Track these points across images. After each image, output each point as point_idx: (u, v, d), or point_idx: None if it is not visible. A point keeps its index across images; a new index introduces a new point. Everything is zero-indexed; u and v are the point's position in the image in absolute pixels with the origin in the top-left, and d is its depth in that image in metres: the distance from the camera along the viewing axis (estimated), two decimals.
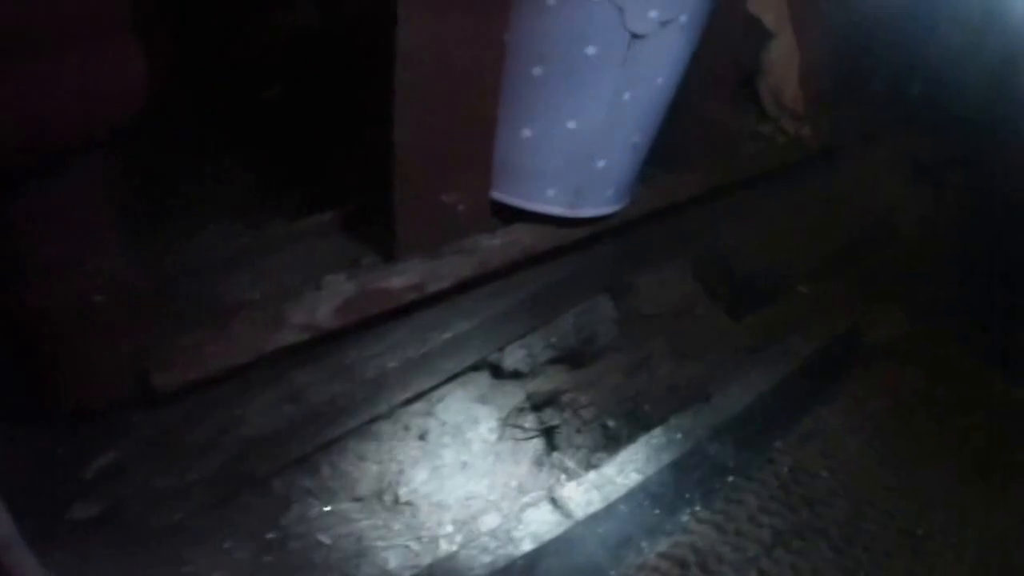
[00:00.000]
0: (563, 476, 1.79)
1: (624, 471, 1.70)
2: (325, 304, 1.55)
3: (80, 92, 1.09)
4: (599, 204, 1.85)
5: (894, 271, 2.53)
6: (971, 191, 2.70)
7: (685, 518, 1.68)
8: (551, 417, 1.88)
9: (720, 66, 1.93)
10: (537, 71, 1.64)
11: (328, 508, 1.63)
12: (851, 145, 2.65)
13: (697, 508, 1.70)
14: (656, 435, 1.79)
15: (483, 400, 1.88)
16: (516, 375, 1.91)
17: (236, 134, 2.10)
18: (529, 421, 1.88)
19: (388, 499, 1.68)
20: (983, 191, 2.69)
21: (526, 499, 1.73)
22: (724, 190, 2.25)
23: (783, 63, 2.46)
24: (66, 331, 1.29)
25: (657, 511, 1.66)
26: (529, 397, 1.91)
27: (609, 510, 1.62)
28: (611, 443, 1.87)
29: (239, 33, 2.17)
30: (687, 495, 1.71)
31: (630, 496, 1.65)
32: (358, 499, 1.67)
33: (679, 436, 1.79)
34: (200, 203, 1.95)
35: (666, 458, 1.74)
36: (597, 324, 2.01)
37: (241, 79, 2.21)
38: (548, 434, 1.86)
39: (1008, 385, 2.18)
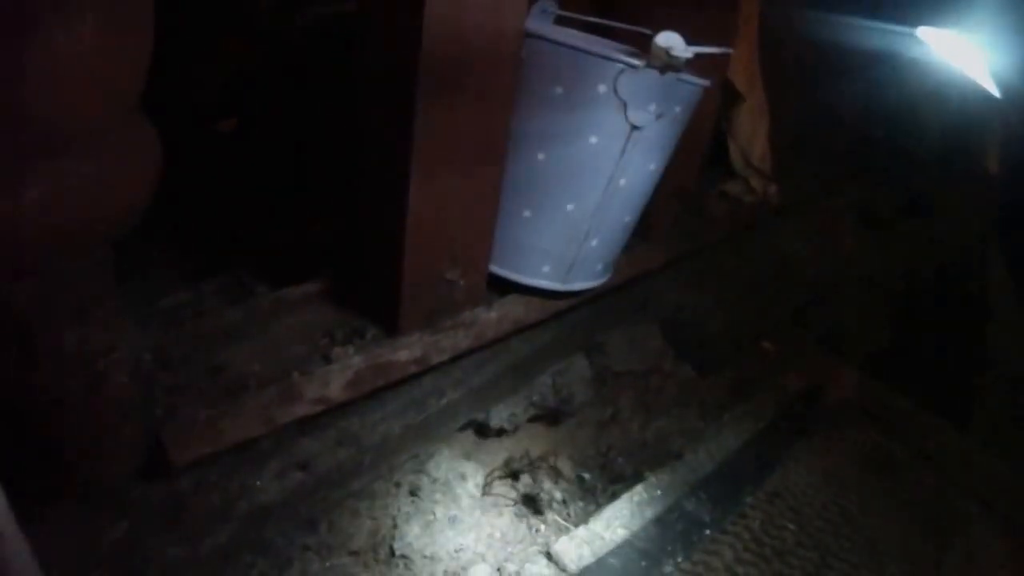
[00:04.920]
0: (543, 526, 1.90)
1: (611, 526, 1.83)
2: (337, 378, 1.62)
3: (98, 189, 1.13)
4: (588, 278, 1.95)
5: (850, 325, 2.70)
6: (922, 241, 2.87)
7: (669, 569, 1.79)
8: (531, 471, 1.99)
9: (694, 134, 2.04)
10: (541, 156, 1.74)
11: (327, 563, 1.71)
12: (809, 199, 2.79)
13: (679, 560, 1.81)
14: (638, 492, 1.93)
15: (469, 457, 1.98)
16: (500, 433, 2.01)
17: (191, 175, 2.08)
18: (511, 476, 1.99)
19: (383, 553, 1.76)
20: (934, 240, 2.87)
21: (513, 550, 1.83)
22: (693, 253, 2.38)
23: (752, 123, 2.57)
24: (83, 411, 1.33)
25: (644, 563, 1.78)
26: (511, 453, 2.02)
27: (600, 563, 1.75)
28: (587, 495, 2.00)
29: (190, 64, 2.17)
30: (669, 548, 1.83)
31: (618, 550, 1.79)
32: (354, 553, 1.74)
33: (659, 493, 1.93)
34: (164, 264, 2.00)
35: (649, 514, 1.88)
36: (573, 383, 2.11)
37: (195, 111, 2.23)
38: (528, 487, 1.96)
39: (958, 437, 2.35)
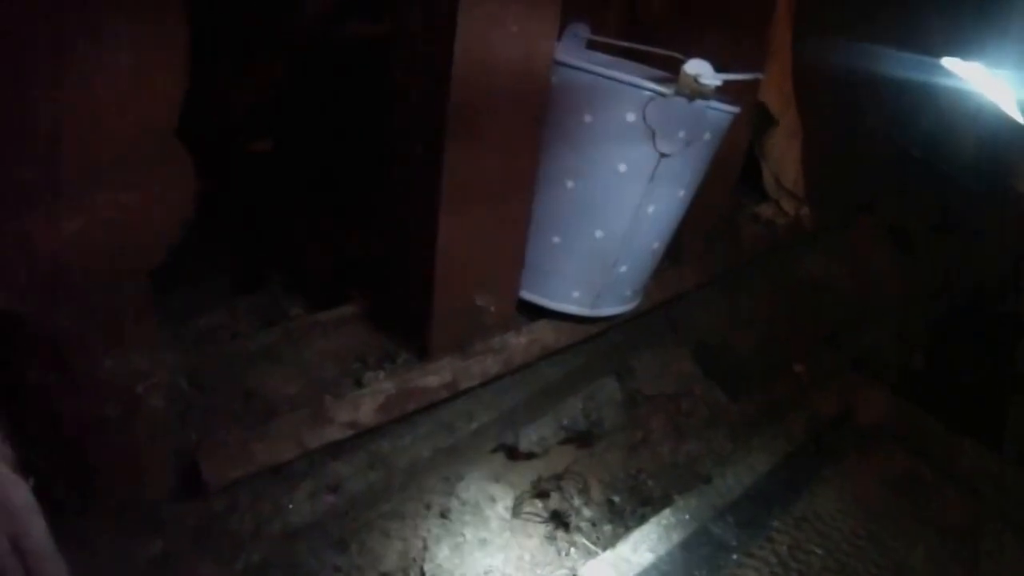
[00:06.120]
0: (572, 549, 1.90)
1: (638, 550, 1.83)
2: (368, 402, 1.64)
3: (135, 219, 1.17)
4: (617, 304, 1.96)
5: (883, 347, 2.67)
6: (957, 261, 2.84)
7: None
8: (560, 493, 1.99)
9: (726, 157, 2.04)
10: (570, 184, 1.75)
11: None
12: (842, 220, 2.77)
13: None
14: (665, 516, 1.93)
15: (498, 479, 1.99)
16: (530, 455, 2.02)
17: (226, 196, 2.12)
18: (540, 498, 2.00)
19: (413, 574, 1.78)
20: (969, 260, 2.83)
21: (541, 572, 1.84)
22: (724, 276, 2.38)
23: (784, 146, 2.55)
24: (119, 434, 1.36)
25: None
26: (541, 475, 2.02)
27: None
28: (616, 517, 2.00)
29: (225, 84, 2.20)
30: (696, 572, 1.82)
31: (644, 574, 1.79)
32: (384, 574, 1.76)
33: (686, 517, 1.93)
34: (199, 284, 2.02)
35: (675, 538, 1.88)
36: (603, 406, 2.12)
37: (230, 131, 2.25)
38: (557, 509, 1.97)
39: (991, 459, 2.30)
